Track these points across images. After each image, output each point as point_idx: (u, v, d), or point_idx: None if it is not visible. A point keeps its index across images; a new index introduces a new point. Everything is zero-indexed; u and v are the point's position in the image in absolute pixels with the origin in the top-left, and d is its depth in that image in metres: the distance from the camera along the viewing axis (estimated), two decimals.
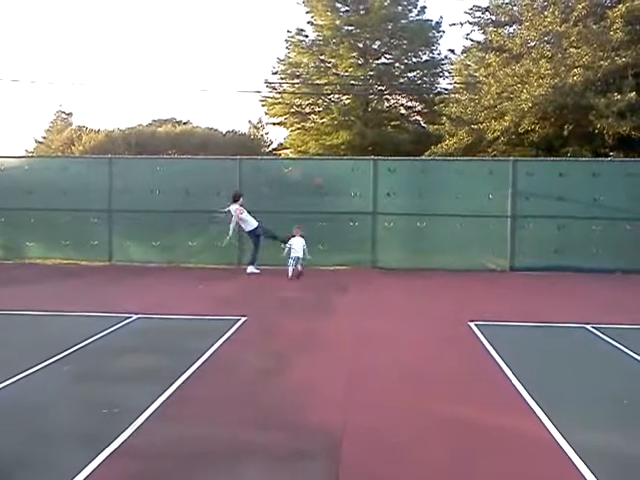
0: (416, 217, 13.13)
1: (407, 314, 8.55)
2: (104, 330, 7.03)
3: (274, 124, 31.32)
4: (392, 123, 28.94)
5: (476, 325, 7.55)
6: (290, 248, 11.69)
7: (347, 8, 27.62)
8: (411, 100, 28.94)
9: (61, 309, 8.33)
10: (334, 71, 27.98)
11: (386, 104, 29.08)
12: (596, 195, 12.68)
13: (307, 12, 28.03)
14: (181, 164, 14.85)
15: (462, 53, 25.64)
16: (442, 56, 28.21)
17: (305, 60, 28.12)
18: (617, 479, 3.59)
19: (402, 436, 4.14)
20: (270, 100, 29.29)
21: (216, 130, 35.26)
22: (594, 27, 16.27)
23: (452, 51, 27.93)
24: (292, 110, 29.09)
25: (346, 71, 27.50)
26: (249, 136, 37.20)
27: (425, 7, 27.85)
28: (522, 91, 17.17)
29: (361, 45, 27.81)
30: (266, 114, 31.01)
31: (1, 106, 67.54)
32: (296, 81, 28.92)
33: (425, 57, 28.27)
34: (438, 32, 27.85)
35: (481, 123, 19.45)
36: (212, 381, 5.32)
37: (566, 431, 4.15)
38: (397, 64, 28.43)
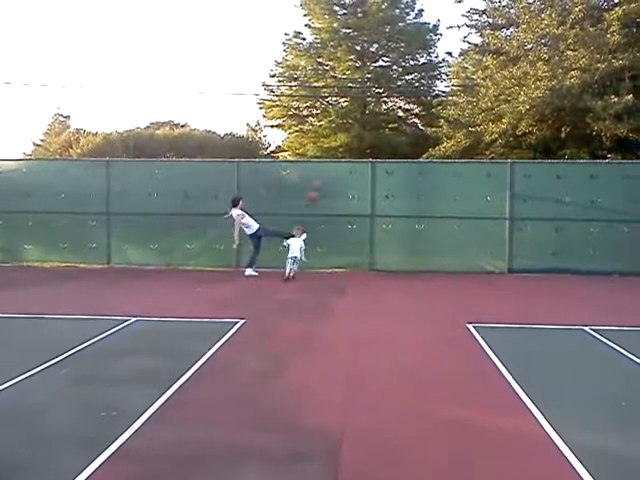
0: (414, 219, 13.15)
1: (405, 316, 8.55)
2: (103, 333, 7.02)
3: (272, 127, 31.45)
4: (390, 126, 29.00)
5: (474, 327, 7.56)
6: (288, 248, 11.72)
7: (345, 11, 27.67)
8: (409, 103, 29.02)
9: (59, 312, 8.32)
10: (332, 74, 28.02)
11: (384, 107, 29.14)
12: (594, 197, 12.71)
13: (305, 15, 28.12)
14: (179, 167, 14.84)
15: (459, 56, 25.74)
16: (440, 59, 28.36)
17: (303, 63, 28.15)
18: None
19: (401, 438, 4.14)
20: (268, 103, 29.33)
21: (214, 133, 35.24)
22: (591, 30, 16.34)
23: (449, 54, 27.96)
24: (290, 113, 29.14)
25: (344, 74, 27.54)
26: (247, 139, 37.18)
27: (422, 10, 27.98)
28: (519, 93, 17.22)
29: (359, 48, 27.85)
30: (264, 117, 31.11)
31: None
32: (294, 84, 28.94)
33: (423, 60, 28.36)
34: (435, 35, 27.95)
35: (479, 125, 19.50)
36: (210, 384, 5.32)
37: (564, 433, 4.15)
38: (395, 67, 28.48)
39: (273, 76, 29.05)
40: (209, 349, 6.35)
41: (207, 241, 13.48)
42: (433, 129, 23.11)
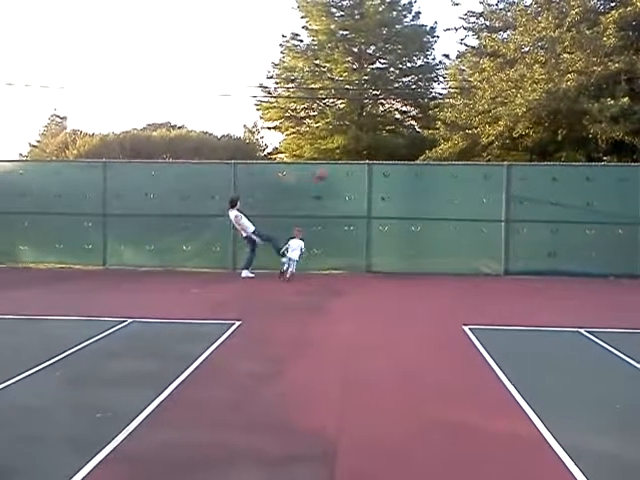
0: (410, 221, 13.16)
1: (401, 318, 8.56)
2: (98, 334, 7.00)
3: (269, 128, 31.47)
4: (387, 127, 29.06)
5: (470, 329, 7.56)
6: (287, 249, 11.72)
7: (342, 13, 27.70)
8: (406, 105, 29.06)
9: (55, 313, 8.30)
10: (329, 75, 28.06)
11: (381, 109, 29.18)
12: (589, 200, 12.74)
13: (302, 17, 28.13)
14: (176, 168, 14.83)
15: (456, 58, 25.79)
16: (437, 61, 28.45)
17: (300, 64, 28.18)
18: None
19: (397, 440, 4.13)
20: (265, 104, 29.34)
21: (211, 134, 35.20)
22: (587, 33, 16.39)
23: (447, 56, 28.05)
24: (287, 114, 29.16)
25: (341, 75, 27.58)
26: (244, 140, 37.17)
27: (420, 12, 28.00)
28: (516, 96, 17.26)
29: (356, 50, 27.90)
30: (261, 118, 31.15)
31: None
32: (291, 85, 28.97)
33: (420, 62, 28.42)
34: (433, 37, 28.04)
35: (475, 128, 19.54)
36: (206, 385, 5.31)
37: (560, 435, 4.15)
38: (392, 69, 28.54)
39: (270, 78, 29.14)
40: (205, 351, 6.33)
41: (203, 243, 13.47)
42: (430, 131, 23.14)
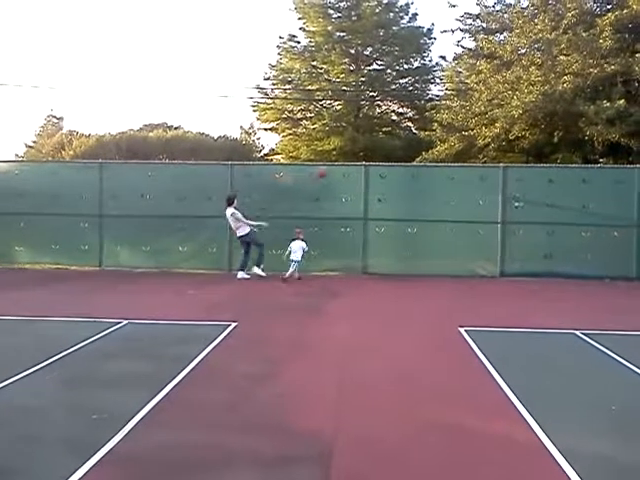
0: (407, 223, 13.17)
1: (397, 319, 8.57)
2: (94, 335, 6.98)
3: (266, 129, 31.43)
4: (383, 129, 29.08)
5: (466, 331, 7.57)
6: (290, 251, 11.73)
7: (339, 14, 27.74)
8: (402, 106, 29.09)
9: (50, 314, 8.27)
10: (326, 77, 28.08)
11: (377, 110, 29.19)
12: (586, 202, 12.77)
13: (299, 18, 28.17)
14: (172, 169, 14.80)
15: (453, 60, 25.81)
16: (433, 63, 28.52)
17: (297, 66, 28.20)
18: None
19: (393, 442, 4.14)
20: (262, 105, 29.34)
21: (207, 135, 35.21)
22: (584, 35, 16.43)
23: (443, 58, 28.14)
24: (284, 116, 29.16)
25: (338, 77, 27.60)
26: (241, 141, 37.17)
27: (417, 14, 28.09)
28: (512, 98, 17.28)
29: (353, 51, 27.94)
30: (258, 119, 31.11)
31: None
32: (288, 87, 29.00)
33: (416, 64, 28.47)
34: (429, 39, 28.10)
35: (472, 129, 19.56)
36: (202, 387, 5.30)
37: (555, 437, 4.16)
38: (389, 70, 28.59)
39: (267, 79, 29.09)
40: (201, 352, 6.32)
41: (200, 244, 13.45)
42: (426, 133, 23.17)
